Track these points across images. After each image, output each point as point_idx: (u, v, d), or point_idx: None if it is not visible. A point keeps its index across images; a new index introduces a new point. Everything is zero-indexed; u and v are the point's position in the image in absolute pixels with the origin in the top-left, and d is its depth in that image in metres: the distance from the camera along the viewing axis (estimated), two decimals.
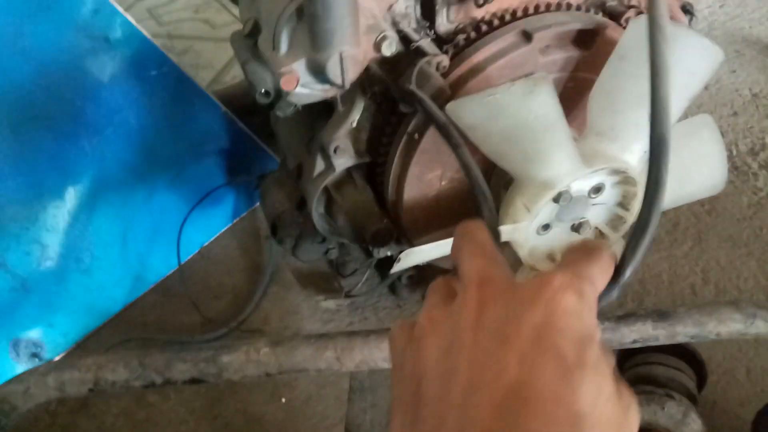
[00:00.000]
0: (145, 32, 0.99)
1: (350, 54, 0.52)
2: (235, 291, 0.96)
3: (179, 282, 0.93)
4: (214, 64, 1.25)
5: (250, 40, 0.63)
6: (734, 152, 1.16)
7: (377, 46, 0.55)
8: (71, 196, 0.91)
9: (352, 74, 0.54)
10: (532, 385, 0.27)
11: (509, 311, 0.30)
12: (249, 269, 0.99)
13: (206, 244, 1.03)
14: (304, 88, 0.57)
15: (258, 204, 1.06)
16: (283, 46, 0.54)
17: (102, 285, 0.93)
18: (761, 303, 0.59)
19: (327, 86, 0.57)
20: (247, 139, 1.08)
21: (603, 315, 0.58)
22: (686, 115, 0.75)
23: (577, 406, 0.27)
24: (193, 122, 1.04)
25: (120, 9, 0.98)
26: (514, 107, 0.57)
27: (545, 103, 0.57)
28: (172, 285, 0.95)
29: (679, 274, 0.95)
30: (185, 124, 1.03)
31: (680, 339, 0.58)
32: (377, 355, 0.57)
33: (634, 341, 0.57)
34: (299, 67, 0.54)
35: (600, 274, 0.35)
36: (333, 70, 0.53)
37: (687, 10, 0.80)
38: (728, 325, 0.58)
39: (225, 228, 1.05)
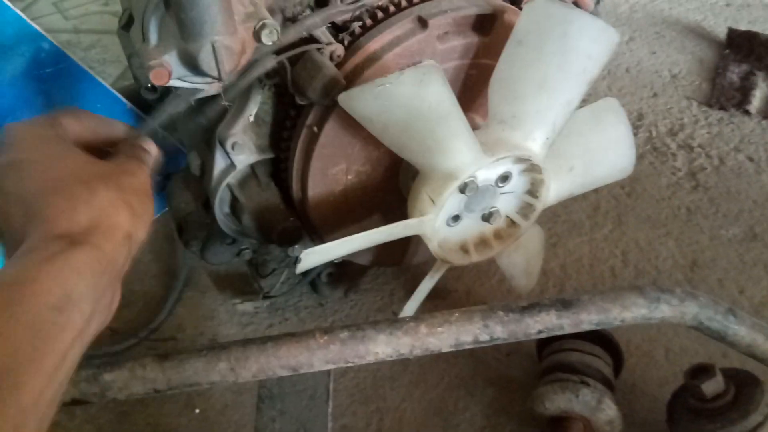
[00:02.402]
0: (38, 27, 0.93)
1: (224, 44, 0.48)
2: (147, 298, 0.91)
3: None
4: (122, 59, 1.17)
5: (126, 34, 0.58)
6: (654, 133, 1.17)
7: (257, 34, 0.51)
8: None
9: (229, 65, 0.50)
10: None
11: None
12: (162, 274, 0.94)
13: None
14: (182, 82, 0.53)
15: None
16: (153, 37, 0.50)
17: None
18: (664, 287, 0.59)
19: (207, 79, 0.53)
20: (156, 137, 1.02)
21: (507, 307, 0.56)
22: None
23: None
24: None
25: (8, 3, 0.91)
26: (405, 97, 0.55)
27: (437, 92, 0.55)
28: None
29: (599, 257, 0.95)
30: None
31: (585, 327, 0.57)
32: (274, 363, 0.54)
33: (539, 332, 0.56)
34: (171, 59, 0.50)
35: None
36: (206, 61, 0.49)
37: None
38: (632, 311, 0.57)
39: None
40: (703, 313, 0.58)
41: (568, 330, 0.57)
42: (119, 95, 1.00)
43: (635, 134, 1.17)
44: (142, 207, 0.44)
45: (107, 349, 0.83)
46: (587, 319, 0.57)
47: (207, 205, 0.80)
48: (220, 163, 0.70)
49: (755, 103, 1.22)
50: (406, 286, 0.92)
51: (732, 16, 1.51)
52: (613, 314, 0.57)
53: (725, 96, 1.24)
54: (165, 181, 0.91)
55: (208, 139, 0.73)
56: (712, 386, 0.63)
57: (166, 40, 0.50)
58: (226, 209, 0.74)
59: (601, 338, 0.74)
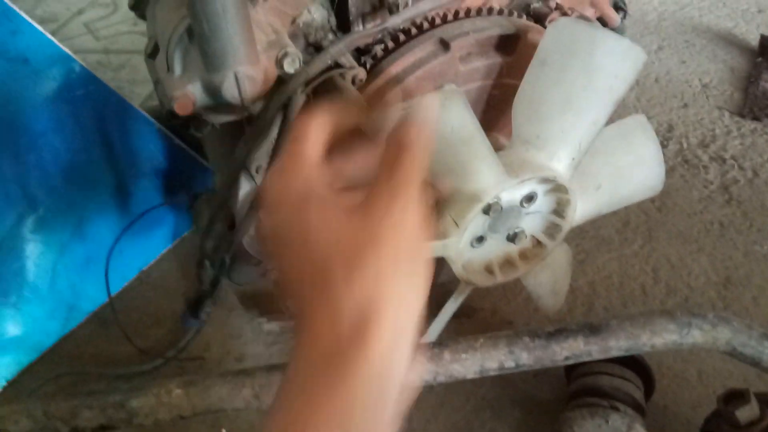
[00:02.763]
0: (68, 51, 0.95)
1: (247, 73, 0.49)
2: (175, 317, 0.92)
3: (112, 311, 0.89)
4: (150, 79, 1.20)
5: (151, 60, 0.59)
6: (685, 145, 1.15)
7: (279, 63, 0.52)
8: None
9: (252, 94, 0.50)
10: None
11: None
12: (190, 293, 0.95)
13: (145, 268, 0.99)
14: (203, 103, 0.54)
15: None
16: (177, 68, 0.51)
17: (33, 319, 0.89)
18: (696, 312, 0.57)
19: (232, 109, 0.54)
20: (185, 156, 1.04)
21: (533, 333, 0.55)
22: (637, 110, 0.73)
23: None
24: (126, 141, 1.00)
25: (40, 28, 0.94)
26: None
27: (459, 116, 0.54)
28: (108, 315, 0.91)
29: (629, 274, 0.93)
30: (117, 144, 0.99)
31: (614, 353, 0.56)
32: None
33: (566, 358, 0.55)
34: (195, 89, 0.50)
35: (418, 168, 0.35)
36: (229, 91, 0.49)
37: (619, 6, 0.78)
38: (663, 337, 0.56)
39: (164, 250, 1.01)
40: (737, 339, 0.57)
41: (596, 356, 0.56)
42: (148, 116, 1.02)
43: (665, 146, 1.15)
44: (421, 267, 0.34)
45: (136, 369, 0.84)
46: (616, 345, 0.55)
47: (232, 225, 0.80)
48: (245, 185, 0.71)
49: None
50: (431, 304, 0.91)
51: (765, 23, 1.48)
52: (642, 340, 0.56)
53: (758, 105, 1.21)
54: (192, 200, 0.92)
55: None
56: (746, 412, 0.61)
57: (190, 70, 0.50)
58: (251, 231, 0.75)
59: (631, 360, 0.72)
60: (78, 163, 0.94)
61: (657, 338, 0.56)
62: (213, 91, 0.50)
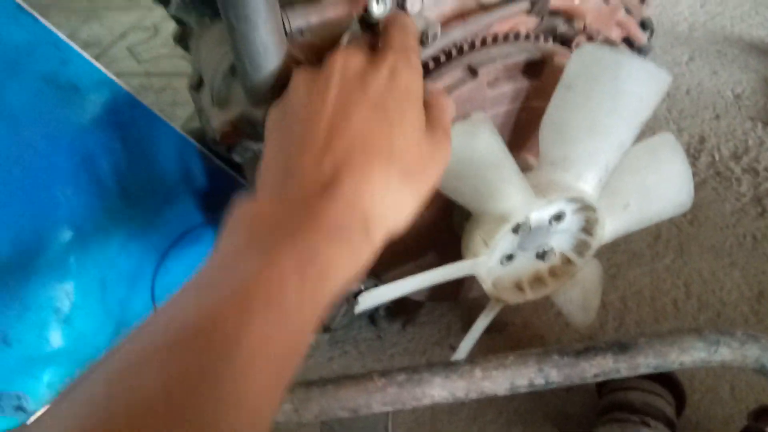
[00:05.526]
0: (114, 77, 1.00)
1: None
2: None
3: None
4: (191, 101, 1.25)
5: (196, 93, 0.63)
6: (716, 157, 1.14)
7: None
8: (47, 246, 0.91)
9: None
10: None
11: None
12: None
13: None
14: (247, 139, 0.57)
15: None
16: (221, 101, 0.54)
17: (83, 333, 0.93)
18: (724, 329, 0.58)
19: None
20: (225, 176, 1.08)
21: (562, 350, 0.57)
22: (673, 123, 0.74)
23: (394, 141, 0.39)
24: (169, 162, 1.04)
25: (88, 57, 0.99)
26: (456, 148, 0.56)
27: (487, 142, 0.56)
28: None
29: (660, 288, 0.93)
30: (160, 165, 1.03)
31: (642, 371, 0.57)
32: (335, 405, 0.56)
33: (595, 375, 0.57)
34: (237, 120, 0.54)
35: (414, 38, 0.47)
36: None
37: (646, 25, 0.80)
38: (691, 354, 0.57)
39: None
40: (766, 356, 0.57)
41: (625, 374, 0.57)
42: (189, 138, 1.06)
43: (697, 158, 1.14)
44: (410, 126, 0.42)
45: None
46: (644, 362, 0.56)
47: None
48: None
49: None
50: (463, 318, 0.93)
51: None
52: (671, 358, 0.57)
53: None
54: None
55: None
56: None
57: (233, 104, 0.54)
58: None
59: (663, 376, 0.73)
60: (123, 184, 0.99)
61: (685, 356, 0.57)
62: (254, 122, 0.53)
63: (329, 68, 0.41)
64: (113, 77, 1.00)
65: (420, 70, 0.44)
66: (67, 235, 0.93)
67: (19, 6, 0.96)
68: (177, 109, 1.24)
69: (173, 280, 1.01)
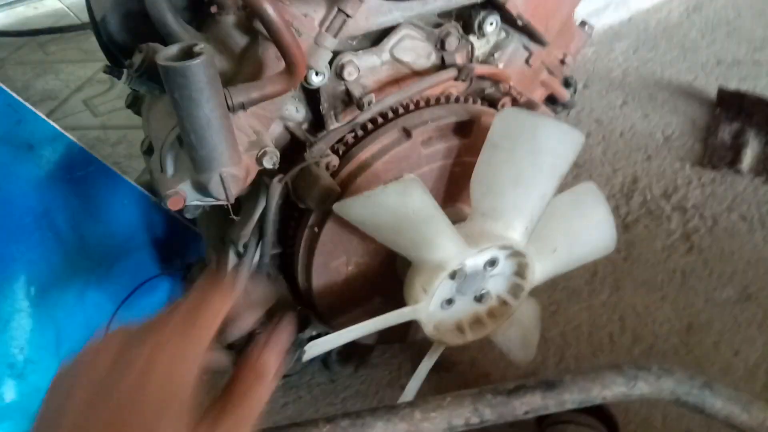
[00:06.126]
0: (69, 135, 1.03)
1: (230, 173, 0.56)
2: None
3: None
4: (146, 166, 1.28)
5: (148, 157, 0.67)
6: (648, 196, 1.22)
7: (259, 160, 0.59)
8: (1, 302, 0.92)
9: (235, 190, 0.57)
10: None
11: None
12: None
13: None
14: (195, 201, 0.61)
15: None
16: (169, 169, 0.58)
17: (38, 388, 0.94)
18: (641, 365, 0.63)
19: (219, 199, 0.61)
20: (180, 226, 1.11)
21: (495, 390, 0.61)
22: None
23: None
24: (124, 215, 1.07)
25: (43, 116, 1.02)
26: (392, 205, 0.61)
27: (419, 199, 0.61)
28: None
29: (598, 323, 0.99)
30: (116, 219, 1.06)
31: (569, 406, 0.61)
32: None
33: (526, 412, 0.61)
34: (185, 187, 0.58)
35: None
36: (216, 189, 0.56)
37: (569, 83, 0.87)
38: (612, 389, 0.62)
39: None
40: (680, 389, 0.63)
41: (554, 410, 0.61)
42: (144, 190, 1.09)
43: (630, 198, 1.22)
44: None
45: None
46: (570, 398, 0.61)
47: None
48: (233, 259, 0.77)
49: (746, 162, 1.27)
50: (413, 359, 0.97)
51: (723, 75, 1.57)
52: (594, 393, 0.61)
53: (717, 155, 1.29)
54: (187, 270, 0.98)
55: (222, 237, 0.80)
56: None
57: (180, 171, 0.58)
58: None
59: (598, 408, 0.77)
60: (78, 239, 1.01)
61: (607, 391, 0.62)
62: (201, 189, 0.57)
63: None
64: (68, 135, 1.03)
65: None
66: (22, 290, 0.95)
67: None
68: (132, 162, 1.27)
69: None
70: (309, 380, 0.96)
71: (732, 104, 1.41)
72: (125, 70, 0.65)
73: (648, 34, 1.77)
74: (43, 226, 0.98)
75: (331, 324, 0.82)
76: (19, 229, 0.95)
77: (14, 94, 0.99)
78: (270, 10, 0.50)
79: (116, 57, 0.72)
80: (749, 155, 1.28)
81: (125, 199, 1.06)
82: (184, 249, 1.10)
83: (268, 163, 0.59)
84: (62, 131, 1.02)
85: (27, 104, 1.00)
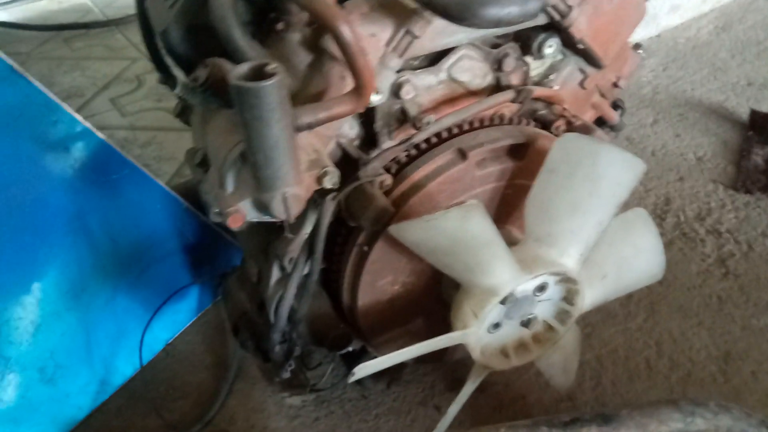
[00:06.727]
0: (103, 136, 1.02)
1: (293, 193, 0.55)
2: (200, 389, 0.96)
3: (142, 385, 0.94)
4: (176, 155, 1.27)
5: (201, 169, 0.66)
6: (682, 218, 1.21)
7: (320, 180, 0.58)
8: (33, 306, 0.91)
9: (296, 210, 0.56)
10: None
11: None
12: (214, 366, 1.00)
13: (171, 340, 1.03)
14: (253, 219, 0.59)
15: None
16: (229, 187, 0.57)
17: (67, 393, 0.93)
18: (699, 400, 0.62)
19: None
20: (211, 233, 1.10)
21: (550, 422, 0.60)
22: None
23: None
24: (156, 220, 1.06)
25: (79, 118, 1.01)
26: (450, 229, 0.60)
27: (479, 225, 0.60)
28: (137, 387, 0.96)
29: (634, 348, 0.98)
30: (148, 223, 1.05)
31: None
32: None
33: None
34: (245, 204, 0.57)
35: None
36: (277, 209, 0.55)
37: (617, 105, 0.86)
38: (669, 425, 0.60)
39: (189, 323, 1.06)
40: (737, 426, 0.61)
41: None
42: (176, 195, 1.08)
43: (663, 219, 1.21)
44: None
45: None
46: None
47: (261, 306, 0.86)
48: (276, 274, 0.76)
49: None
50: (446, 377, 0.96)
51: (754, 96, 1.56)
52: (650, 428, 0.60)
53: (750, 179, 1.28)
54: (221, 279, 0.98)
55: (266, 250, 0.79)
56: None
57: (241, 188, 0.57)
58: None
59: None
60: (110, 242, 1.00)
61: (663, 426, 0.60)
62: (262, 207, 0.56)
63: None
64: (103, 136, 1.02)
65: None
66: (52, 294, 0.94)
67: (11, 68, 0.98)
68: (163, 165, 1.26)
69: (156, 336, 1.01)
70: (341, 395, 0.95)
71: (765, 127, 1.40)
72: (179, 81, 0.64)
73: (677, 51, 1.76)
74: (76, 228, 0.97)
75: (372, 342, 0.81)
76: (53, 231, 0.95)
77: (52, 95, 0.99)
78: (347, 32, 0.49)
79: (166, 66, 0.71)
80: None
81: (158, 203, 1.05)
82: (215, 256, 1.09)
83: (329, 184, 0.58)
84: (98, 133, 1.01)
85: (65, 106, 0.99)
